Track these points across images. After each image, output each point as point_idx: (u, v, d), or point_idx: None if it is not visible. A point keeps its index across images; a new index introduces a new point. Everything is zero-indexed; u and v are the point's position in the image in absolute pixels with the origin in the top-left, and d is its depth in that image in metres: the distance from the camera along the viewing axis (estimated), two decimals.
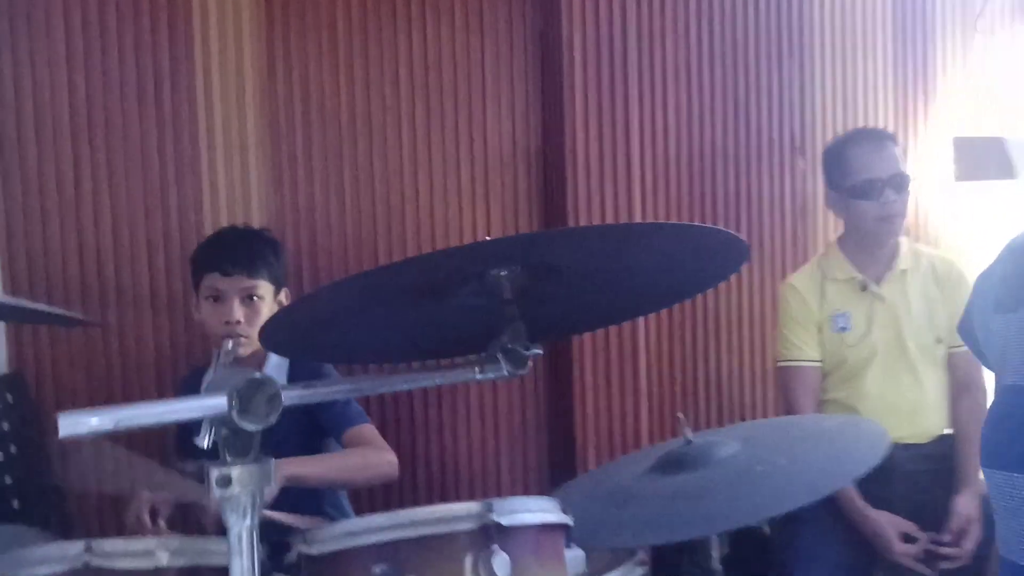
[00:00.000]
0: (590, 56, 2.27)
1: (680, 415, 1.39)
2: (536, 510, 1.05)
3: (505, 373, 0.89)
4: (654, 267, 0.96)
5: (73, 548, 0.95)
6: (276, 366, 1.79)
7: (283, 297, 1.86)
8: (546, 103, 2.35)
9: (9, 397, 1.92)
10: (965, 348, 2.06)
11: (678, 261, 0.96)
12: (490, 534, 0.96)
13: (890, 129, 2.59)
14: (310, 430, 1.76)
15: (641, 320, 2.34)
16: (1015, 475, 0.60)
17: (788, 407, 2.13)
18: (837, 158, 2.11)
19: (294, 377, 1.79)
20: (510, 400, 2.35)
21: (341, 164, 2.22)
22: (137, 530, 1.50)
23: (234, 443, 0.68)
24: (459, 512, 0.99)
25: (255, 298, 1.76)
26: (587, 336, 2.24)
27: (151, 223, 2.08)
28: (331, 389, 0.75)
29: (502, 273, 0.95)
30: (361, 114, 2.23)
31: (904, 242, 2.15)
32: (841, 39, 2.67)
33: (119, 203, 2.06)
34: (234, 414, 0.67)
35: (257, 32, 2.14)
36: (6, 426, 1.91)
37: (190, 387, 1.85)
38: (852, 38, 2.68)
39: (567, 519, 1.10)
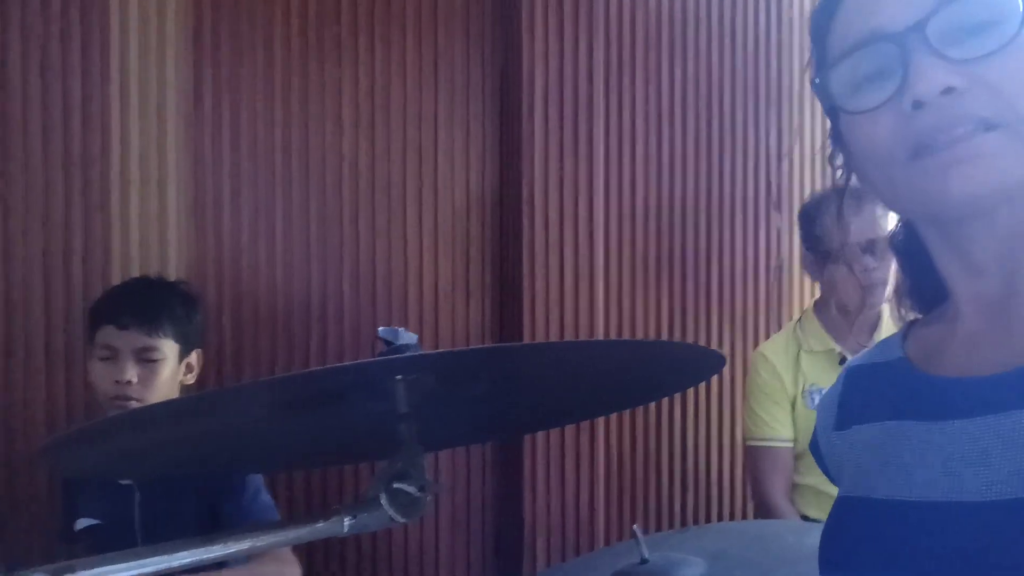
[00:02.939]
0: (552, 99, 2.09)
1: (636, 528, 1.18)
2: None
3: (389, 521, 0.67)
4: (614, 377, 0.75)
5: None
6: None
7: (194, 359, 1.64)
8: (504, 148, 2.16)
9: None
10: None
11: (643, 373, 0.76)
12: None
13: None
14: (209, 524, 1.52)
15: None
16: None
17: (756, 491, 1.93)
18: (812, 218, 1.93)
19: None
20: (454, 475, 2.12)
21: (273, 207, 2.00)
22: None
23: None
24: None
25: (154, 360, 1.54)
26: None
27: (50, 267, 1.84)
28: (110, 568, 0.52)
29: (396, 378, 0.74)
30: (298, 152, 2.01)
31: (887, 310, 1.97)
32: None
33: (13, 243, 1.82)
34: None
35: (182, 53, 1.92)
36: None
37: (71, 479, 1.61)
38: None
39: None
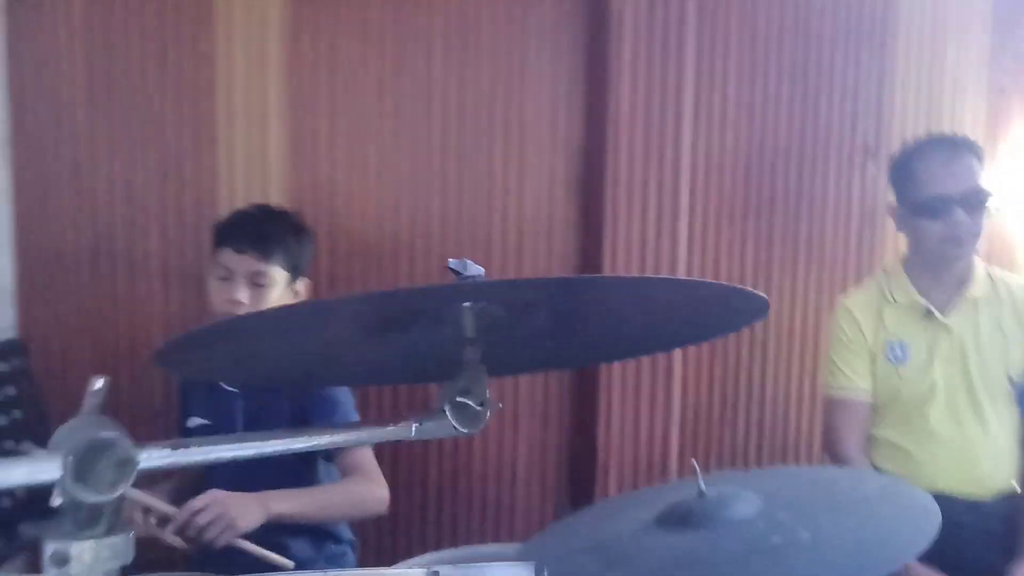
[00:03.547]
0: (641, 35, 2.06)
1: (694, 462, 1.22)
2: None
3: (452, 431, 0.74)
4: (662, 315, 0.80)
5: None
6: None
7: (300, 287, 1.76)
8: (591, 86, 2.16)
9: (15, 362, 1.88)
10: None
11: (690, 311, 0.80)
12: None
13: (980, 136, 2.32)
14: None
15: None
16: None
17: (830, 443, 1.93)
18: (904, 169, 1.87)
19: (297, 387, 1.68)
20: (532, 411, 2.20)
21: (365, 141, 2.08)
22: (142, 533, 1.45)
23: (76, 513, 0.57)
24: None
25: (264, 284, 1.66)
26: None
27: (164, 192, 2.00)
28: (215, 448, 0.63)
29: (465, 305, 0.80)
30: (390, 88, 2.08)
31: (980, 266, 1.91)
32: (931, 31, 2.38)
33: (132, 170, 1.98)
34: (68, 483, 0.55)
35: None
36: (12, 391, 1.87)
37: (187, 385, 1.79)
38: (943, 30, 2.38)
39: None
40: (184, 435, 1.74)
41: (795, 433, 2.33)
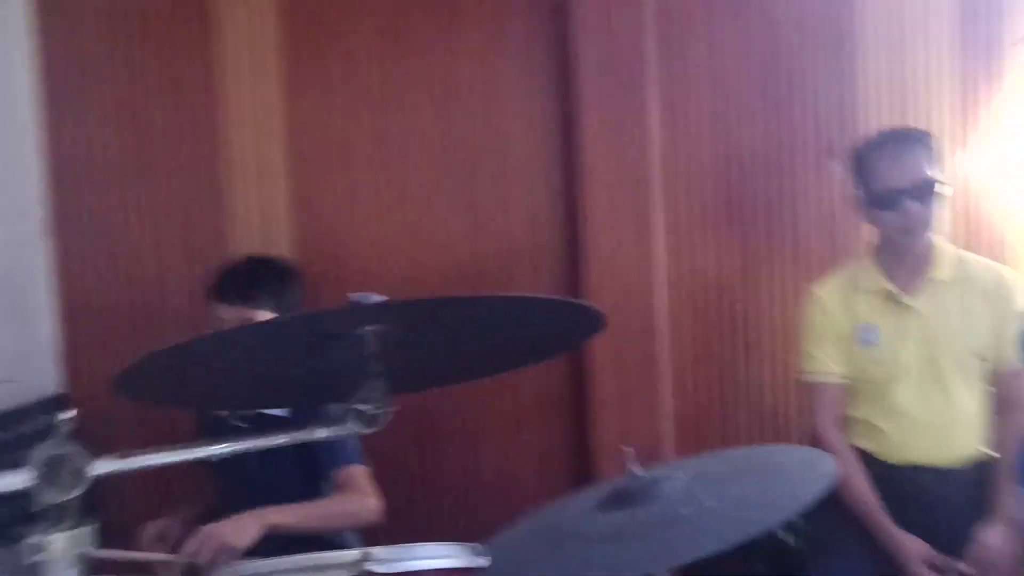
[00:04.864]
0: (606, 65, 2.23)
1: (626, 448, 1.37)
2: (425, 556, 1.07)
3: (356, 431, 0.92)
4: (508, 330, 0.97)
5: None
6: None
7: None
8: (565, 118, 2.33)
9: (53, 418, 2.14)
10: (1011, 366, 1.90)
11: (533, 328, 0.97)
12: None
13: (953, 129, 2.37)
14: (307, 464, 1.80)
15: (665, 332, 2.29)
16: None
17: (809, 422, 2.03)
18: (859, 164, 1.97)
19: (296, 419, 1.85)
20: (534, 418, 2.36)
21: (360, 191, 2.30)
22: (149, 549, 1.65)
23: (48, 511, 0.76)
24: (333, 561, 1.04)
25: None
26: (605, 355, 2.23)
27: (188, 254, 2.25)
28: (156, 456, 0.82)
29: (368, 328, 0.98)
30: (379, 140, 2.30)
31: (945, 250, 1.98)
32: (899, 27, 2.44)
33: (159, 236, 2.25)
34: (38, 489, 0.75)
35: (279, 65, 2.26)
36: None
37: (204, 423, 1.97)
38: (911, 25, 2.43)
39: (470, 562, 1.12)
40: (199, 467, 1.91)
41: (784, 420, 2.40)
